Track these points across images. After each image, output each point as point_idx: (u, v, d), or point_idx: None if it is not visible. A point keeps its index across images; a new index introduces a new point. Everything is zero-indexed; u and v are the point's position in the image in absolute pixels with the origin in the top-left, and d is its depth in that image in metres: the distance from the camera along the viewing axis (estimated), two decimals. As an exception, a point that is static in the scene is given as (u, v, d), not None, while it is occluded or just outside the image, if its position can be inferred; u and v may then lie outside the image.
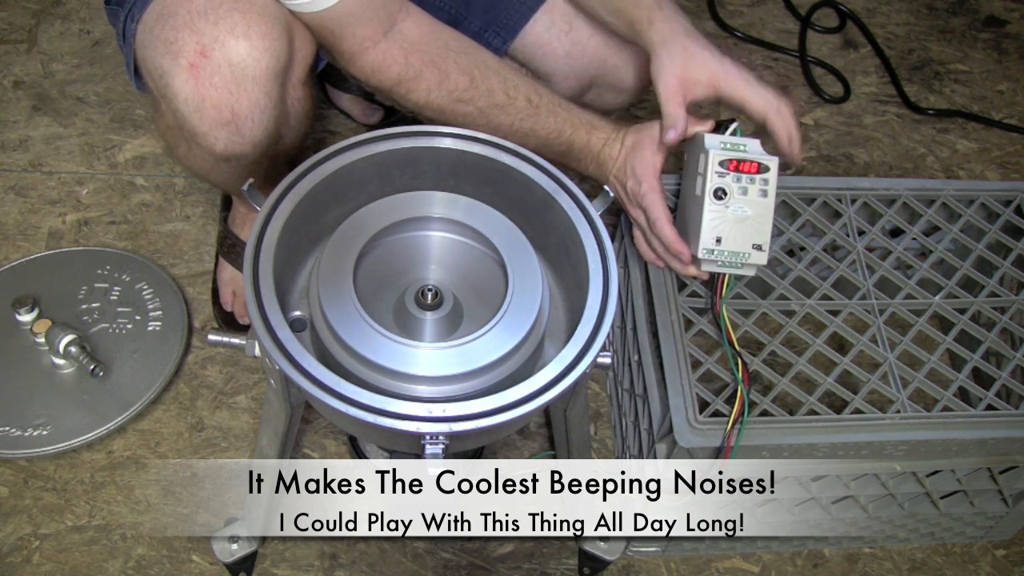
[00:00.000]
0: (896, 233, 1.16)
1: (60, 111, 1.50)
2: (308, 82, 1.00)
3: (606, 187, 0.91)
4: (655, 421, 1.02)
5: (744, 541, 1.13)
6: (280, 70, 0.91)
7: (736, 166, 0.92)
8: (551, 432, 1.19)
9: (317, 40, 0.97)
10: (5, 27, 1.62)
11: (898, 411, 0.97)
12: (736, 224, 0.92)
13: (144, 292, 1.29)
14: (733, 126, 0.95)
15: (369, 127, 1.51)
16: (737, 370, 0.94)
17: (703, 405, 0.95)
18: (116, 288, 1.29)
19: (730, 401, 0.95)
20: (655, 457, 1.01)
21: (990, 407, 0.99)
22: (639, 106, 1.60)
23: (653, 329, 1.03)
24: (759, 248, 0.93)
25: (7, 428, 1.15)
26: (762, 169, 0.92)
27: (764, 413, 0.96)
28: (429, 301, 0.84)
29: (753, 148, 0.94)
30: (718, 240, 0.92)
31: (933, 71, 1.78)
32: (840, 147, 1.63)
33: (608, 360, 0.81)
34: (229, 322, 1.29)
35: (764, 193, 0.92)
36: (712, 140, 0.94)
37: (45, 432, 1.15)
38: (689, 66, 0.93)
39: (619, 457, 1.20)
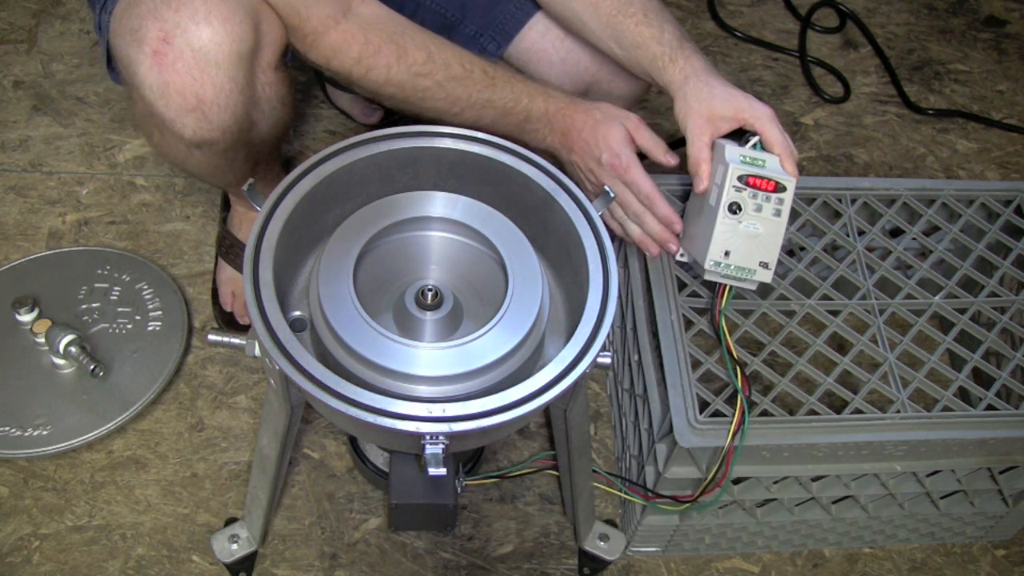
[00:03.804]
0: (896, 233, 1.16)
1: (60, 111, 1.50)
2: (280, 67, 1.00)
3: (606, 188, 0.91)
4: (655, 421, 1.02)
5: (744, 541, 1.13)
6: (244, 54, 0.91)
7: (754, 182, 0.91)
8: (551, 432, 1.19)
9: (283, 22, 0.98)
10: (5, 27, 1.62)
11: (898, 411, 0.97)
12: (746, 240, 0.92)
13: (144, 292, 1.29)
14: (755, 139, 0.94)
15: (369, 127, 1.51)
16: (737, 379, 0.94)
17: (703, 405, 0.95)
18: (116, 288, 1.29)
19: (730, 401, 0.95)
20: (655, 457, 1.01)
21: (990, 407, 0.99)
22: (639, 105, 1.60)
23: (653, 329, 1.03)
24: (765, 266, 0.93)
25: (7, 428, 1.15)
26: (779, 188, 0.92)
27: (764, 413, 0.96)
28: (429, 301, 0.84)
29: (772, 165, 0.93)
30: (726, 253, 0.92)
31: (933, 71, 1.78)
32: (840, 147, 1.63)
33: (608, 360, 0.81)
34: (229, 322, 1.29)
35: (778, 213, 0.92)
36: (732, 152, 0.93)
37: (45, 432, 1.15)
38: (714, 102, 0.95)
39: (619, 457, 1.20)
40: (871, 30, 1.80)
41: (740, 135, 0.96)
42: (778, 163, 0.94)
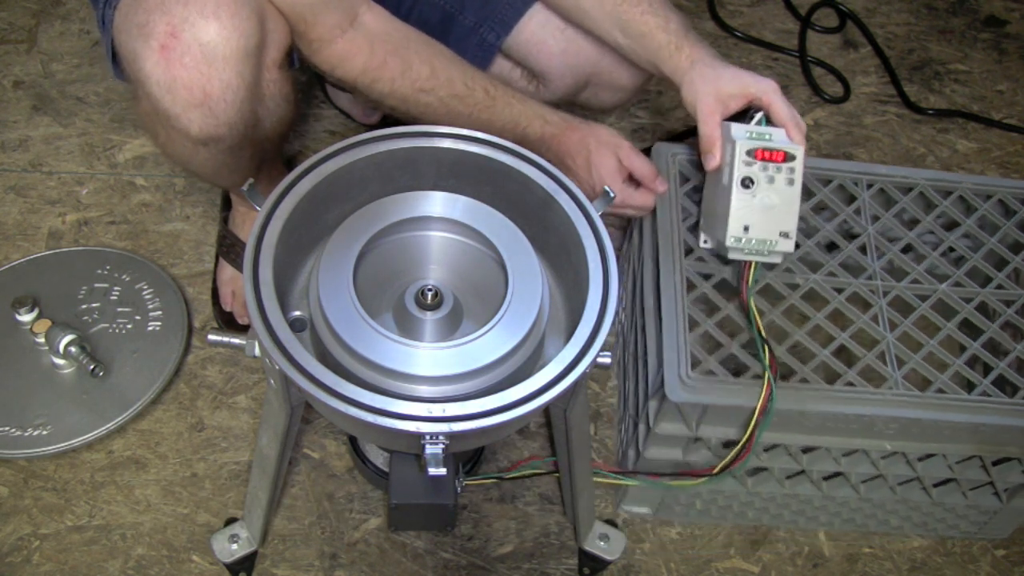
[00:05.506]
0: (911, 223, 1.16)
1: (60, 111, 1.50)
2: (285, 65, 1.00)
3: (606, 188, 0.92)
4: (650, 379, 1.02)
5: (735, 511, 1.14)
6: (251, 50, 0.92)
7: (763, 155, 0.93)
8: (551, 432, 1.19)
9: (290, 27, 0.98)
10: (5, 27, 1.62)
11: (891, 388, 0.97)
12: (763, 212, 0.94)
13: (144, 292, 1.29)
14: (759, 115, 0.97)
15: (369, 127, 1.51)
16: (764, 358, 0.94)
17: (696, 364, 0.96)
18: (116, 288, 1.29)
19: (725, 364, 0.97)
20: (648, 415, 1.01)
21: (985, 394, 0.99)
22: (640, 105, 1.61)
23: (659, 296, 1.04)
24: (786, 236, 0.95)
25: (7, 428, 1.15)
26: (788, 158, 0.94)
27: (756, 377, 0.96)
28: (429, 301, 0.84)
29: (778, 137, 0.95)
30: (746, 228, 0.94)
31: (933, 71, 1.78)
32: (840, 147, 1.63)
33: (608, 360, 0.81)
34: (229, 322, 1.29)
35: (791, 182, 0.94)
36: (738, 130, 0.95)
37: (45, 432, 1.15)
38: (720, 83, 0.97)
39: (619, 459, 1.20)
40: (871, 30, 1.80)
41: (743, 116, 0.98)
42: (784, 134, 0.95)
